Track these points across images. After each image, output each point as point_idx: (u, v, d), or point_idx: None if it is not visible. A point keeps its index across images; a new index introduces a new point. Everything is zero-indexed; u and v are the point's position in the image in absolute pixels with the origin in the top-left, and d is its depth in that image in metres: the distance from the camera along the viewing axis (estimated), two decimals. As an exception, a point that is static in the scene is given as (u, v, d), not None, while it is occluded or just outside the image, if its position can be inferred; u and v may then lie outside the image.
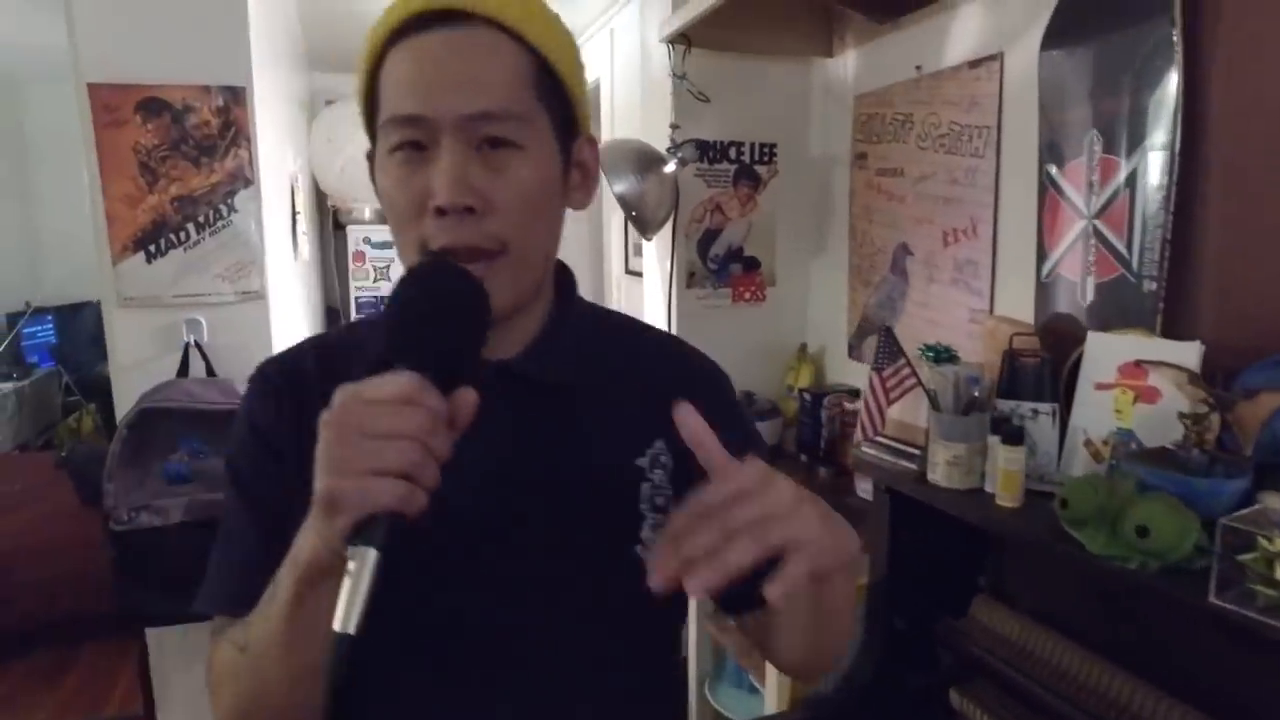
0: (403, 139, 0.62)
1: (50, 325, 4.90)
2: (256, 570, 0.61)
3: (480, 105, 0.61)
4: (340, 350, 0.73)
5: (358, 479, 0.48)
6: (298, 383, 0.70)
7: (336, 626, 0.47)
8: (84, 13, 1.93)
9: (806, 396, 2.33)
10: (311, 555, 0.53)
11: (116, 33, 1.94)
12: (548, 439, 0.69)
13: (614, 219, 3.36)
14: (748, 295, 2.48)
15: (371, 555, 0.48)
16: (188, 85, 1.98)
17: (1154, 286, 1.38)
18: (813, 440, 2.30)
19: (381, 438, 0.49)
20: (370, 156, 0.70)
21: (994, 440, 1.39)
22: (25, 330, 4.75)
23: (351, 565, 0.48)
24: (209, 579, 0.70)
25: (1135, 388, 1.31)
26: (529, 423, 0.69)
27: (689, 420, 0.54)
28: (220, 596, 0.69)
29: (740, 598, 0.65)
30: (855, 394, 2.31)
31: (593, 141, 0.72)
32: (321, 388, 0.68)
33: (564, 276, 0.76)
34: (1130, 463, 1.17)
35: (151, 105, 1.97)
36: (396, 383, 0.50)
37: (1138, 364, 1.31)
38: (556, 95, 0.66)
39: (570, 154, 0.69)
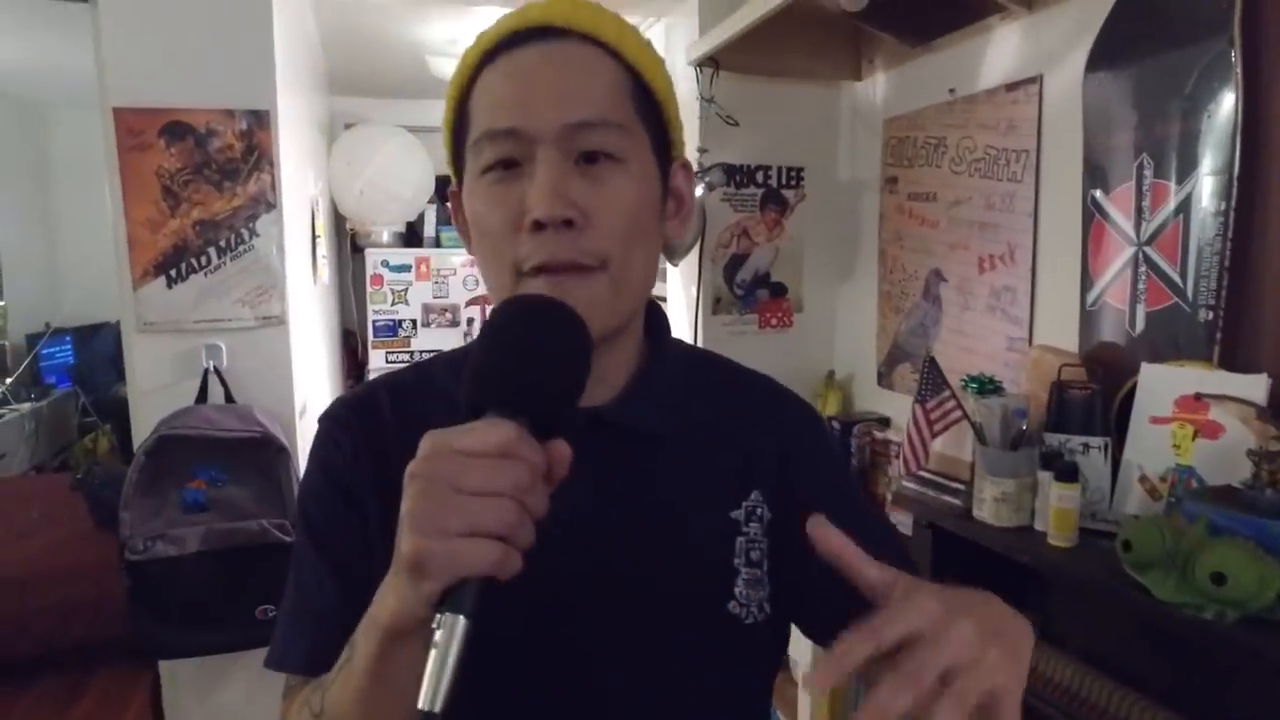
0: (496, 156, 0.59)
1: (69, 346, 4.91)
2: (335, 626, 0.55)
3: (579, 114, 0.58)
4: (415, 392, 0.69)
5: (449, 540, 0.43)
6: (373, 426, 0.66)
7: (422, 705, 0.42)
8: (112, 37, 1.92)
9: (835, 425, 2.27)
10: (392, 619, 0.48)
11: (143, 57, 1.93)
12: (640, 491, 0.65)
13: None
14: (774, 321, 2.43)
15: (460, 624, 0.43)
16: (212, 109, 1.97)
17: (1210, 316, 1.32)
18: (842, 470, 2.24)
19: (476, 494, 0.44)
20: (451, 194, 0.67)
21: (1045, 476, 1.34)
22: (44, 351, 4.76)
23: (438, 636, 0.43)
24: (281, 635, 0.65)
25: (1195, 422, 1.25)
26: (620, 474, 0.64)
27: (831, 540, 0.49)
28: (295, 654, 0.63)
29: None
30: (885, 422, 2.26)
31: (688, 167, 0.68)
32: (399, 432, 0.63)
33: (655, 316, 0.71)
34: (1195, 502, 1.11)
35: (175, 129, 1.95)
36: (494, 433, 0.45)
37: (1197, 397, 1.25)
38: (653, 114, 0.63)
39: (666, 178, 0.66)
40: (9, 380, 4.42)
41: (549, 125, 0.57)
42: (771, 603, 0.67)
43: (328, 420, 0.68)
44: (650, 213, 0.63)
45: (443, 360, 0.72)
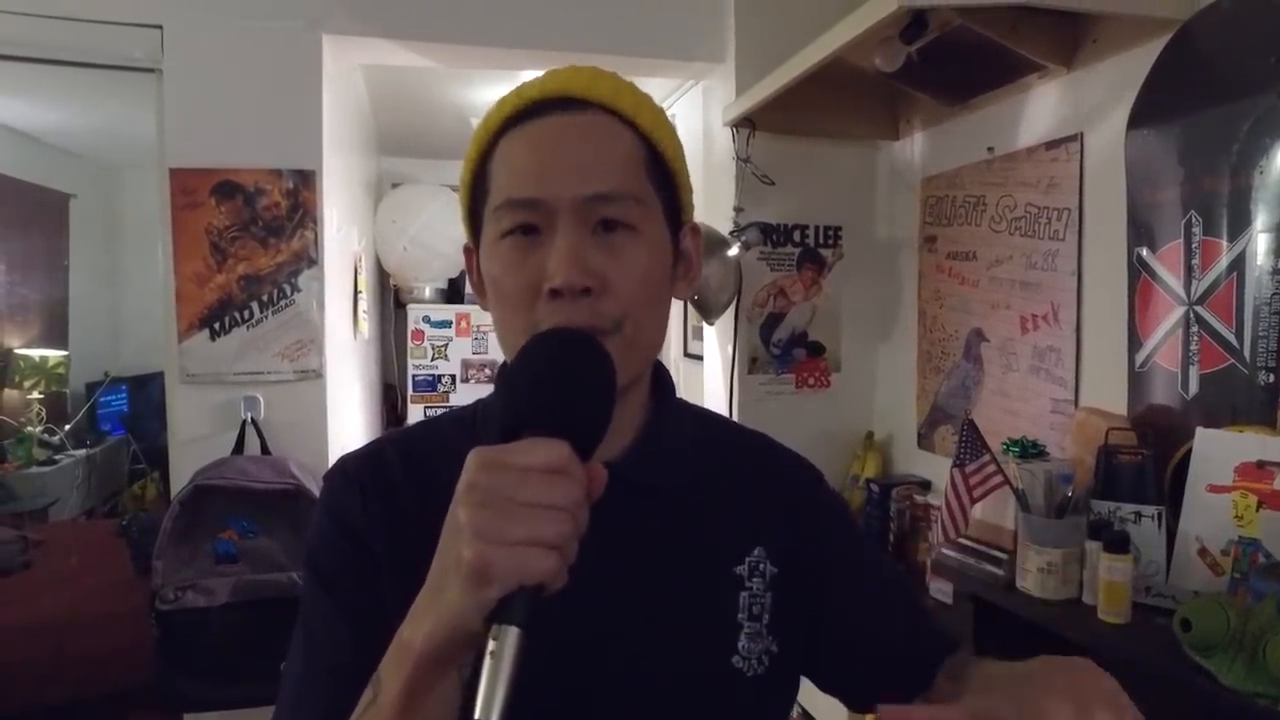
0: (516, 223, 0.61)
1: (124, 395, 5.07)
2: (352, 681, 0.53)
3: (597, 187, 0.60)
4: (424, 449, 0.69)
5: (512, 548, 0.44)
6: (383, 481, 0.66)
7: (479, 715, 0.42)
8: (173, 103, 2.03)
9: (874, 488, 2.20)
10: (430, 641, 0.47)
11: (200, 121, 2.03)
12: (649, 548, 0.65)
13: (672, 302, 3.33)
14: (812, 381, 2.39)
15: (514, 634, 0.43)
16: (260, 169, 2.04)
17: (1271, 379, 1.25)
18: (880, 534, 2.16)
19: (535, 507, 0.45)
20: (467, 251, 0.70)
21: (1093, 546, 1.26)
22: (101, 399, 4.91)
23: (493, 646, 0.43)
24: (291, 696, 0.62)
25: (1258, 491, 1.17)
26: (630, 530, 0.64)
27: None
28: (308, 715, 0.60)
29: None
30: (926, 485, 2.18)
31: (696, 230, 0.71)
32: (409, 488, 0.65)
33: (660, 375, 0.73)
34: (1263, 579, 1.03)
35: (225, 188, 2.03)
36: (548, 450, 0.47)
37: (1260, 464, 1.17)
38: (665, 182, 0.66)
39: (678, 242, 0.68)
40: (67, 427, 4.56)
41: (569, 196, 0.59)
42: (772, 656, 0.67)
43: (338, 474, 0.68)
44: (662, 277, 0.65)
45: (451, 417, 0.73)
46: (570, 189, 0.59)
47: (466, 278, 0.73)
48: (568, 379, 0.52)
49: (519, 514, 0.45)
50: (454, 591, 0.45)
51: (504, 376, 0.54)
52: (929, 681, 0.69)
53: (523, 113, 0.63)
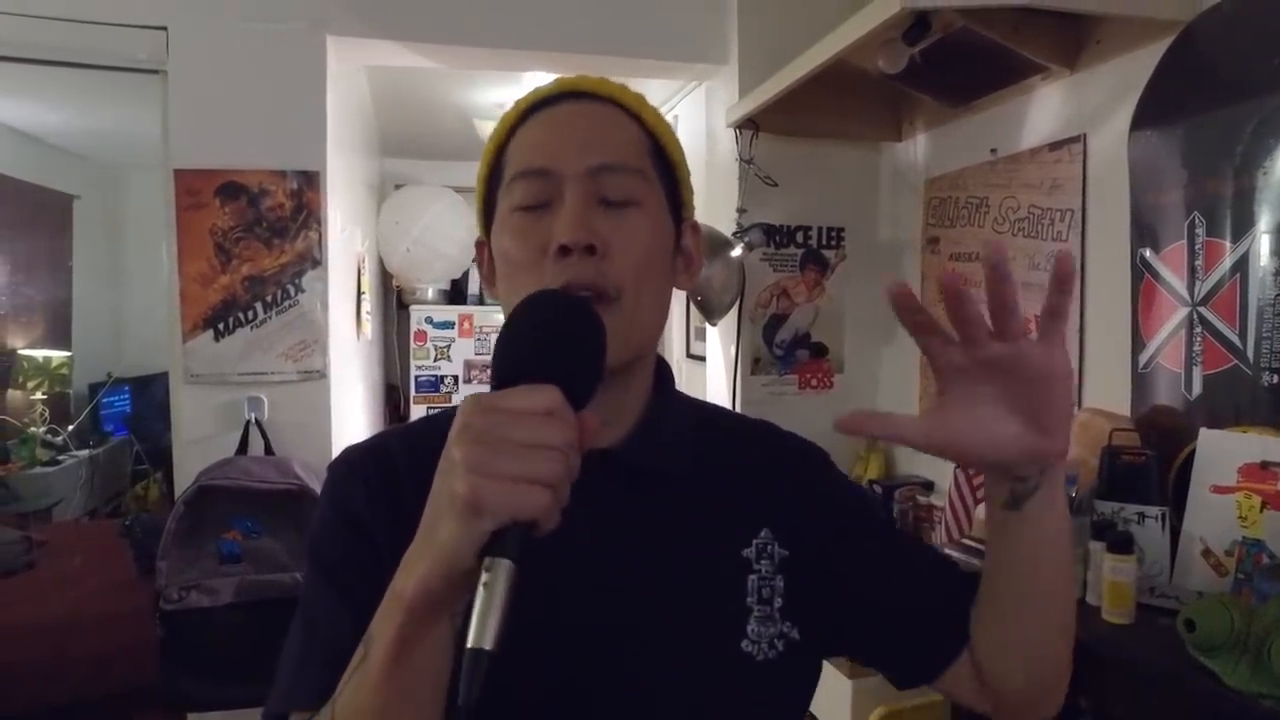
0: (526, 196, 0.64)
1: (127, 395, 5.07)
2: (349, 662, 0.53)
3: (604, 158, 0.64)
4: (425, 440, 0.68)
5: (505, 482, 0.45)
6: (386, 470, 0.67)
7: (472, 643, 0.42)
8: (178, 104, 2.04)
9: (877, 488, 2.21)
10: (422, 583, 0.47)
11: (205, 122, 2.04)
12: (651, 531, 0.66)
13: (675, 301, 3.33)
14: (815, 382, 2.39)
15: (507, 566, 0.44)
16: (264, 170, 2.05)
17: (1275, 379, 1.25)
18: (884, 536, 2.16)
19: (528, 446, 0.46)
20: (478, 245, 0.73)
21: (1096, 547, 1.26)
22: (104, 400, 4.92)
23: (486, 577, 0.44)
24: (287, 677, 0.62)
25: (1262, 492, 1.17)
26: (631, 514, 0.65)
27: (860, 422, 0.56)
28: (304, 693, 0.60)
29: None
30: (929, 486, 2.18)
31: (696, 228, 0.73)
32: (411, 477, 0.65)
33: (662, 368, 0.74)
34: (1268, 580, 1.03)
35: (230, 189, 2.03)
36: (542, 394, 0.48)
37: (1264, 465, 1.17)
38: (667, 174, 0.69)
39: (679, 234, 0.71)
40: (70, 428, 4.57)
41: (576, 166, 0.63)
42: (789, 642, 0.66)
43: (342, 464, 0.69)
44: (663, 256, 0.67)
45: (450, 414, 0.72)
46: (577, 160, 0.63)
47: (471, 274, 0.74)
48: (560, 334, 0.53)
49: (513, 451, 0.46)
50: (447, 528, 0.46)
51: (500, 332, 0.55)
52: (965, 635, 0.68)
53: (537, 104, 0.68)
